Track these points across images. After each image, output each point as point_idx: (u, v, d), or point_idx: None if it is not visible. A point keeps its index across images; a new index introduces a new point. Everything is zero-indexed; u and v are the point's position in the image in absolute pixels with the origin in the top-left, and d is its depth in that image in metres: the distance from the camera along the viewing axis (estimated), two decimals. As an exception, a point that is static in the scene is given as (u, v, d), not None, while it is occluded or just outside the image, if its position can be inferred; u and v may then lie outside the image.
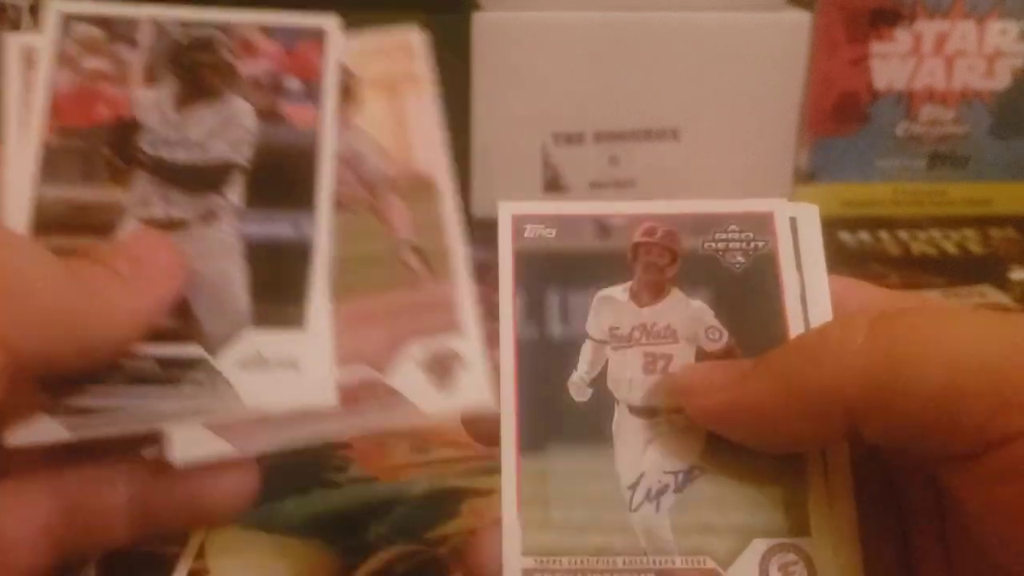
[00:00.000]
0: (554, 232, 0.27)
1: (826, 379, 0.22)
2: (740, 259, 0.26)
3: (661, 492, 0.25)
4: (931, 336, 0.22)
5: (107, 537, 0.26)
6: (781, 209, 0.27)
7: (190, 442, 0.24)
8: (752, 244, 0.26)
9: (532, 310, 0.26)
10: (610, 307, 0.26)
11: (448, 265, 0.28)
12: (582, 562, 0.24)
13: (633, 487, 0.25)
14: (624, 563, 0.24)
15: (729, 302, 0.26)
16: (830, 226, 0.27)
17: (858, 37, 0.62)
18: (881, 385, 0.22)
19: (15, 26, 0.59)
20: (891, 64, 0.62)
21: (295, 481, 0.42)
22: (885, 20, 0.61)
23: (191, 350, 0.25)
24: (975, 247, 0.62)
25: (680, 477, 0.25)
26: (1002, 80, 0.62)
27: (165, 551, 0.38)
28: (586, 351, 0.26)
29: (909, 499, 0.26)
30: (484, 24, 0.59)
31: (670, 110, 0.63)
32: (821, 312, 0.26)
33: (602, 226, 0.27)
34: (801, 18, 0.60)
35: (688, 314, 0.26)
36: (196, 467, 0.25)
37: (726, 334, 0.26)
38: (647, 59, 0.61)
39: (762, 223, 0.27)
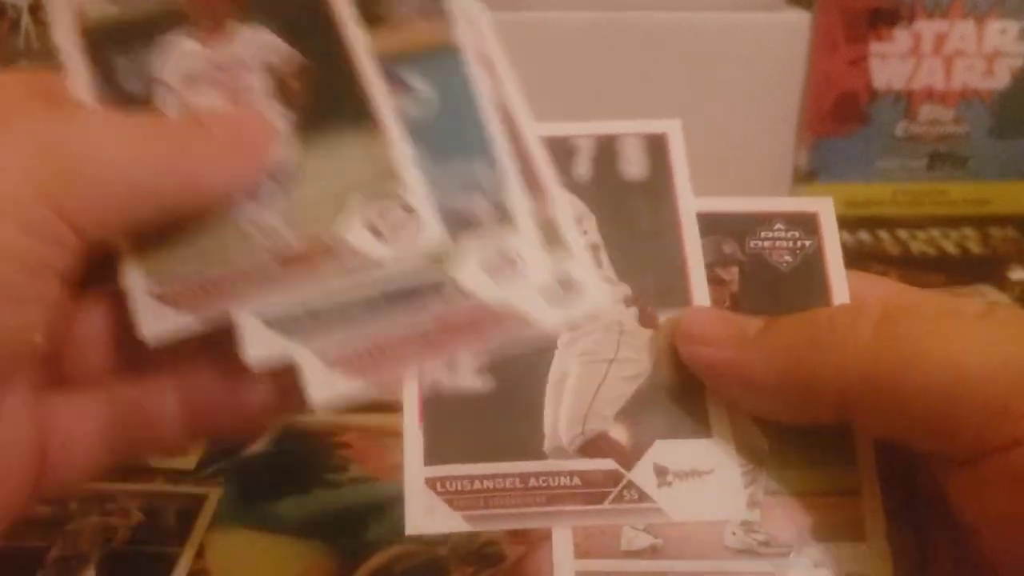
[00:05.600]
0: (115, 6, 0.28)
1: (826, 368, 0.22)
2: None
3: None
4: (935, 341, 0.22)
5: (160, 442, 0.26)
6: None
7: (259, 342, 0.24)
8: None
9: (105, 79, 0.27)
10: (181, 56, 0.27)
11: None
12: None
13: None
14: None
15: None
16: (830, 226, 0.27)
17: (857, 37, 0.62)
18: (880, 386, 0.22)
19: (15, 26, 0.59)
20: (890, 64, 0.62)
21: (295, 481, 0.42)
22: (884, 20, 0.61)
23: None
24: (974, 247, 0.62)
25: None
26: (1001, 80, 0.62)
27: (165, 551, 0.38)
28: (162, 100, 0.26)
29: (923, 490, 0.26)
30: (484, 24, 0.59)
31: (670, 110, 0.63)
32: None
33: None
34: (800, 18, 0.60)
35: (257, 44, 0.27)
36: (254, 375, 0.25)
37: (297, 54, 0.27)
38: (646, 59, 0.61)
39: None
